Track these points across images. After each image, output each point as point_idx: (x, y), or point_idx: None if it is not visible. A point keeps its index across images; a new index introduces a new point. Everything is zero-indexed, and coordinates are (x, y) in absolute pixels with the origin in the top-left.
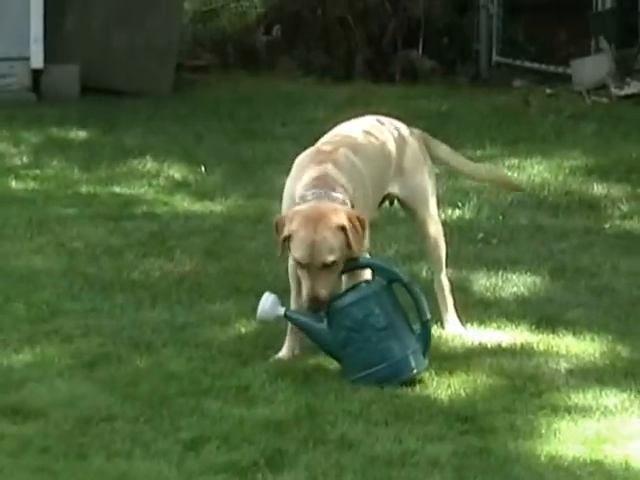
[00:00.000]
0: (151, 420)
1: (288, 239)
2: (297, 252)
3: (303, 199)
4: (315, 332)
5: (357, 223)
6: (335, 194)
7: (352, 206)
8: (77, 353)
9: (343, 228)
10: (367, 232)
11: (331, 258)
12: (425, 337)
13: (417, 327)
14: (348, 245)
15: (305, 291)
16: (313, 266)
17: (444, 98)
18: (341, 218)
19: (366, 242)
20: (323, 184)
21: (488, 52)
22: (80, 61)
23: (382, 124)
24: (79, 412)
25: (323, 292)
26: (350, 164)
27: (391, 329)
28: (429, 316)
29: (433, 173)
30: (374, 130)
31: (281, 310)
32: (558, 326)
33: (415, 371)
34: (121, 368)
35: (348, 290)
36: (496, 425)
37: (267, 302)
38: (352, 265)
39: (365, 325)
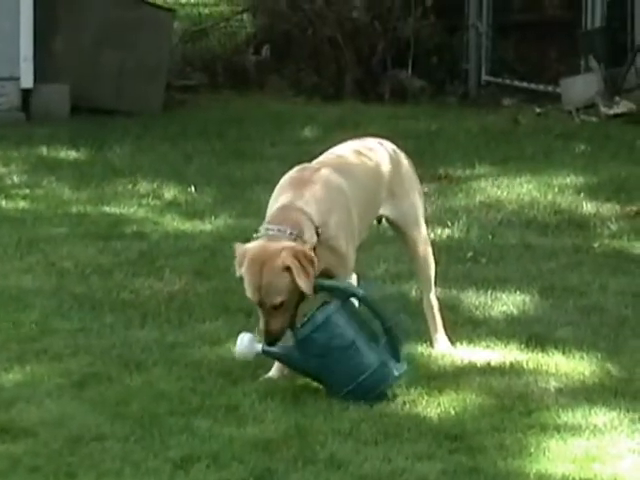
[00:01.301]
0: (141, 439)
1: (242, 278)
2: (248, 293)
3: (260, 232)
4: (294, 361)
5: (304, 260)
6: (289, 230)
7: (317, 234)
8: (66, 372)
9: (288, 269)
10: (352, 256)
11: (279, 299)
12: (392, 343)
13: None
14: (295, 284)
15: (260, 326)
16: (264, 305)
17: (433, 117)
18: (286, 259)
19: (350, 265)
20: (282, 217)
21: (477, 71)
22: (70, 81)
23: (376, 145)
24: (69, 431)
25: (276, 328)
26: (330, 188)
27: (357, 344)
28: (390, 323)
29: (422, 193)
30: (367, 152)
31: (258, 347)
32: (547, 345)
33: (397, 374)
34: (111, 387)
35: (313, 313)
36: (485, 444)
37: (244, 341)
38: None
39: (331, 348)
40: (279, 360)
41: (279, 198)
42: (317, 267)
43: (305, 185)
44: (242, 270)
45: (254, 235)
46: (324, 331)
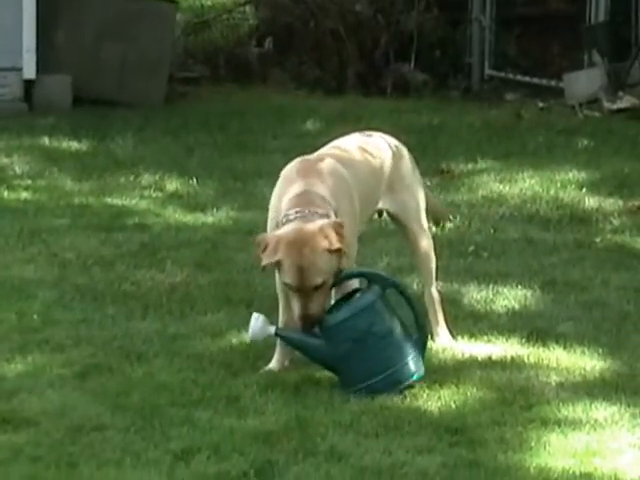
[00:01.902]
0: (142, 430)
1: (279, 264)
2: (287, 278)
3: (287, 218)
4: (309, 347)
5: (341, 231)
6: (318, 210)
7: (336, 216)
8: (68, 363)
9: (329, 250)
10: (355, 246)
11: (320, 280)
12: (423, 341)
13: (414, 332)
14: (338, 260)
15: (297, 311)
16: (304, 289)
17: (436, 112)
18: (328, 238)
19: (353, 254)
20: (305, 201)
21: (480, 66)
22: (72, 72)
23: (377, 139)
24: (70, 421)
25: (315, 310)
26: (336, 176)
27: (392, 336)
28: (424, 319)
29: (423, 186)
30: (368, 145)
31: (271, 329)
32: (548, 339)
33: (415, 377)
34: (112, 378)
35: (340, 301)
36: (486, 437)
37: (257, 323)
38: (347, 276)
39: (369, 335)
40: (293, 344)
41: (289, 188)
42: None
43: (312, 173)
44: (279, 256)
45: (281, 220)
46: (366, 317)
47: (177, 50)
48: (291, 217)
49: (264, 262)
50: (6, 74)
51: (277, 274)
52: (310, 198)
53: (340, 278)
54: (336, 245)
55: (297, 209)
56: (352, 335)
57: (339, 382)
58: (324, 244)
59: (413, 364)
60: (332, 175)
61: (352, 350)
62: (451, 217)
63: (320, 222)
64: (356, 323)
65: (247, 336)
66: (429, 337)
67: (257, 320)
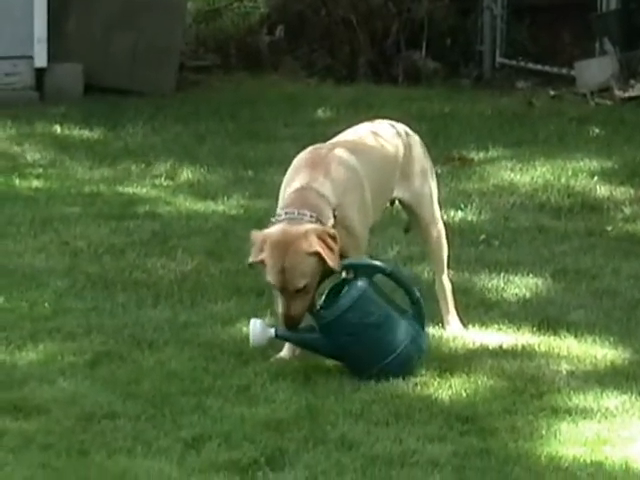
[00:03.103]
0: (152, 418)
1: (262, 263)
2: (270, 278)
3: (277, 218)
4: (311, 343)
5: (329, 240)
6: (308, 212)
7: (334, 216)
8: (79, 351)
9: (315, 253)
10: (365, 236)
11: (303, 283)
12: (420, 314)
13: (408, 308)
14: (321, 264)
15: (281, 310)
16: (287, 290)
17: (447, 100)
18: (311, 242)
19: (363, 245)
20: (300, 201)
21: (491, 54)
22: (83, 60)
23: (390, 127)
24: (81, 409)
25: (297, 312)
26: (345, 167)
27: (389, 321)
28: (418, 294)
29: (435, 175)
30: (381, 134)
31: (271, 332)
32: (559, 328)
33: (423, 349)
34: (123, 366)
35: (332, 292)
36: (496, 426)
37: (256, 328)
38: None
39: (364, 327)
40: (294, 342)
41: (294, 180)
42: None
43: (320, 165)
44: (263, 255)
45: (272, 220)
46: (358, 310)
47: (188, 38)
48: (280, 218)
49: (250, 259)
50: (17, 63)
51: None
52: (306, 197)
53: (330, 274)
54: (314, 248)
55: (288, 209)
56: (348, 330)
57: (350, 369)
58: (306, 247)
59: (419, 340)
60: (341, 166)
61: (351, 343)
62: (462, 205)
63: (307, 226)
64: (349, 318)
65: (250, 343)
66: (442, 326)
67: (255, 325)
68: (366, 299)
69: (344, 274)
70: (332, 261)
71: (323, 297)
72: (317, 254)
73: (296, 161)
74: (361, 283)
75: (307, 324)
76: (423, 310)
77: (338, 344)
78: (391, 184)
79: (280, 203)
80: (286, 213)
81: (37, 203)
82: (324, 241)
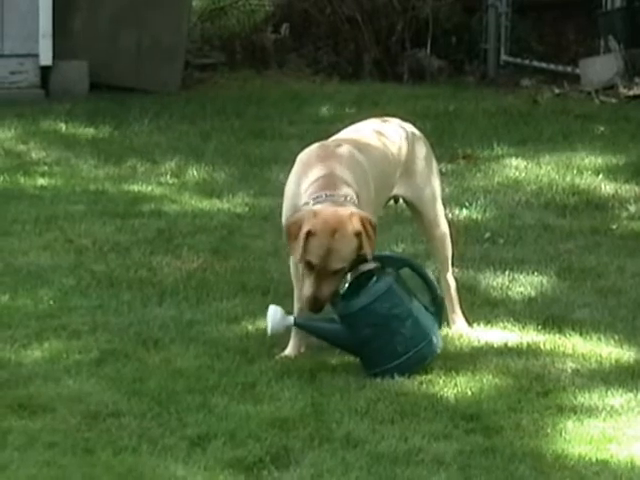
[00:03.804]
0: (158, 416)
1: (308, 237)
2: (311, 255)
3: (317, 200)
4: (329, 333)
5: (369, 227)
6: (348, 194)
7: (358, 202)
8: (84, 349)
9: (358, 235)
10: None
11: (341, 265)
12: (439, 313)
13: (429, 305)
14: (359, 250)
15: (307, 291)
16: (323, 270)
17: (452, 98)
18: (357, 225)
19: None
20: (332, 184)
21: (496, 52)
22: (89, 58)
23: (393, 125)
24: (86, 407)
25: (326, 294)
26: (354, 161)
27: (412, 317)
28: (440, 292)
29: (439, 173)
30: (384, 131)
31: (290, 319)
32: (564, 326)
33: (438, 351)
34: (128, 364)
35: (353, 284)
36: (502, 424)
37: (275, 316)
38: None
39: (390, 318)
40: (313, 332)
41: (308, 173)
42: None
43: (332, 158)
44: (311, 227)
45: (308, 202)
46: (386, 301)
47: (193, 36)
48: (321, 199)
49: (304, 229)
50: (22, 60)
51: (292, 258)
52: (334, 182)
53: (358, 264)
54: (358, 229)
55: (326, 192)
56: (373, 320)
57: (362, 364)
58: (352, 229)
59: (435, 339)
60: (351, 161)
61: (374, 334)
62: (466, 203)
63: (352, 209)
64: (376, 308)
65: (267, 331)
66: (447, 324)
67: (275, 312)
68: (395, 291)
69: (368, 266)
70: (368, 247)
71: (344, 289)
72: (359, 235)
73: (304, 157)
74: (389, 276)
75: (323, 316)
76: (442, 309)
77: (360, 335)
78: (391, 182)
79: (288, 201)
80: (327, 195)
81: (42, 201)
82: (365, 227)
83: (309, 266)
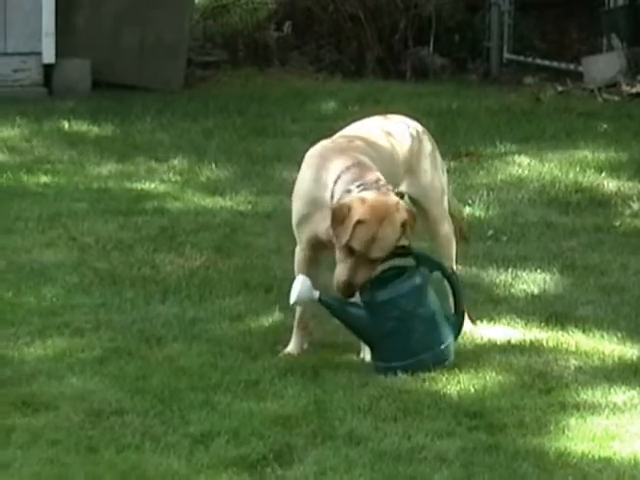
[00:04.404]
0: (161, 414)
1: (358, 224)
2: (356, 241)
3: (362, 187)
4: (352, 318)
5: (412, 220)
6: (387, 185)
7: None
8: (87, 347)
9: (404, 225)
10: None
11: (382, 254)
12: (459, 326)
13: (451, 315)
14: (400, 240)
15: (342, 276)
16: (363, 257)
17: (455, 96)
18: (404, 214)
19: None
20: (366, 171)
21: (499, 50)
22: (91, 56)
23: (398, 122)
24: (89, 405)
25: (359, 281)
26: (367, 155)
27: (435, 319)
28: (464, 306)
29: (445, 170)
30: (389, 128)
31: (316, 294)
32: (567, 323)
33: (450, 359)
34: (131, 362)
35: (383, 277)
36: (505, 421)
37: (304, 286)
38: (397, 254)
39: (414, 316)
40: (335, 312)
41: (329, 165)
42: None
43: (348, 151)
44: (361, 214)
45: (351, 190)
46: (413, 298)
47: (196, 34)
48: (367, 186)
49: (355, 216)
50: (25, 59)
51: (298, 246)
52: (367, 169)
53: (396, 256)
54: (404, 218)
55: (366, 180)
56: (398, 314)
57: (372, 355)
58: (400, 219)
59: (448, 349)
60: (364, 154)
61: (395, 328)
62: (469, 201)
63: (396, 198)
64: (403, 303)
65: (290, 299)
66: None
67: (304, 283)
68: (423, 291)
69: (405, 262)
70: (409, 240)
71: (374, 278)
72: (404, 226)
73: (317, 152)
74: (421, 275)
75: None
76: (463, 321)
77: (380, 326)
78: (396, 179)
79: (305, 199)
80: (369, 183)
81: (45, 199)
82: (410, 217)
83: (350, 251)
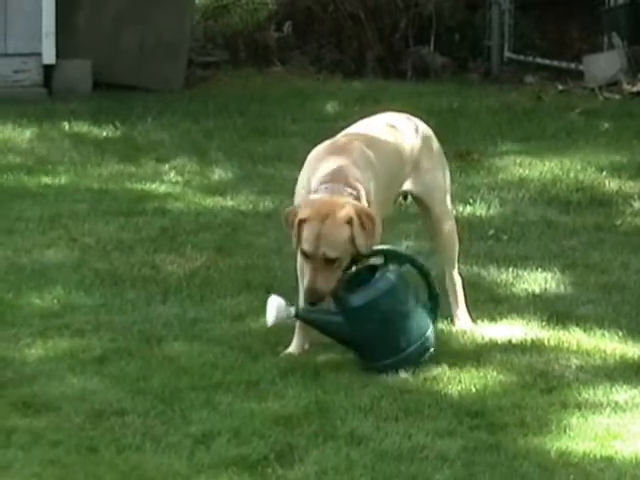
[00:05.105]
0: (162, 414)
1: (301, 224)
2: (304, 242)
3: (317, 192)
4: (332, 327)
5: (366, 219)
6: (349, 189)
7: (367, 201)
8: (88, 348)
9: (349, 222)
10: (378, 228)
11: (334, 254)
12: (436, 311)
13: (427, 301)
14: (353, 240)
15: (307, 284)
16: (317, 258)
17: (455, 95)
18: (349, 213)
19: (377, 239)
20: (338, 178)
21: (500, 48)
22: (92, 57)
23: (403, 120)
24: (90, 406)
25: (323, 286)
26: (364, 158)
27: (414, 313)
28: (438, 289)
29: (448, 169)
30: (393, 126)
31: (291, 310)
32: (568, 322)
33: (432, 349)
34: (132, 363)
35: (355, 277)
36: (506, 421)
37: (278, 305)
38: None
39: (393, 315)
40: (314, 324)
41: (318, 168)
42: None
43: (343, 153)
44: (303, 215)
45: (312, 193)
46: (390, 297)
47: (196, 35)
48: (322, 190)
49: (296, 220)
50: (26, 59)
51: (298, 251)
52: (342, 175)
53: (362, 261)
54: (348, 217)
55: (328, 185)
56: (377, 316)
57: (361, 358)
58: (343, 217)
59: (431, 336)
60: (362, 157)
61: (376, 330)
62: (470, 200)
63: (348, 199)
64: (379, 305)
65: (267, 321)
66: (451, 321)
67: (275, 303)
68: (399, 287)
69: (371, 261)
70: (361, 239)
71: (346, 283)
72: (349, 222)
73: (316, 152)
74: (393, 273)
75: (324, 308)
76: (439, 307)
77: (361, 330)
78: (400, 178)
79: (299, 197)
80: (326, 187)
81: (46, 199)
82: (360, 218)
83: (305, 255)
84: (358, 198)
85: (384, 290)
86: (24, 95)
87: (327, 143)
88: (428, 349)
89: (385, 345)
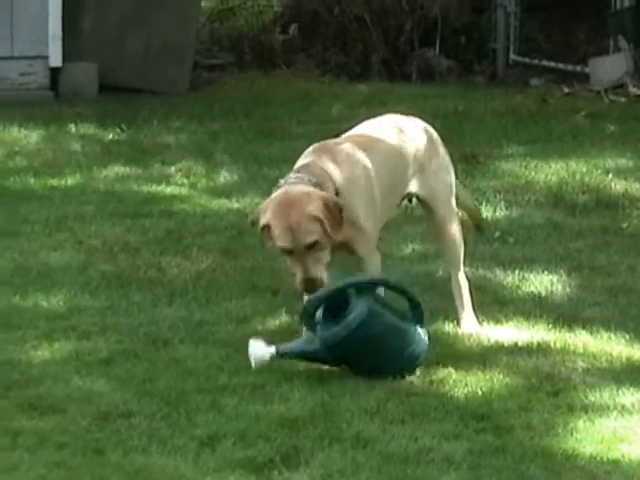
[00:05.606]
0: (168, 416)
1: (268, 229)
2: (279, 240)
3: (278, 186)
4: (314, 355)
5: (331, 205)
6: (308, 176)
7: (336, 194)
8: (94, 350)
9: (309, 199)
10: (374, 233)
11: (311, 238)
12: (420, 317)
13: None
14: (324, 223)
15: (298, 275)
16: (298, 248)
17: (461, 97)
18: (312, 199)
19: (373, 240)
20: (305, 171)
21: (505, 51)
22: (98, 59)
23: (407, 122)
24: (96, 408)
25: (316, 273)
26: (351, 159)
27: (395, 331)
28: (418, 298)
29: (453, 172)
30: (396, 128)
31: (272, 350)
32: (575, 325)
33: (426, 350)
34: (138, 365)
35: (329, 312)
36: (512, 423)
37: (258, 349)
38: (335, 291)
39: (379, 336)
40: (296, 356)
41: (299, 162)
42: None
43: (327, 152)
44: (268, 217)
45: (273, 189)
46: (364, 327)
47: (202, 37)
48: (281, 184)
49: (261, 223)
50: (32, 62)
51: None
52: (309, 169)
53: (331, 294)
54: (316, 213)
55: (292, 177)
56: (355, 345)
57: (356, 372)
58: (309, 207)
59: (421, 344)
60: (347, 158)
61: (366, 355)
62: (476, 203)
63: (309, 188)
64: (364, 331)
65: (251, 364)
66: (457, 323)
67: (255, 346)
68: (377, 310)
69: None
70: (331, 227)
71: (320, 313)
72: (315, 212)
73: (305, 151)
74: (363, 302)
75: (307, 336)
76: (421, 312)
77: (351, 356)
78: (404, 181)
79: None
80: (287, 181)
81: (52, 202)
82: (327, 205)
83: (285, 251)
84: (318, 185)
85: (361, 320)
86: (31, 98)
87: (317, 143)
88: (423, 351)
89: (377, 363)
